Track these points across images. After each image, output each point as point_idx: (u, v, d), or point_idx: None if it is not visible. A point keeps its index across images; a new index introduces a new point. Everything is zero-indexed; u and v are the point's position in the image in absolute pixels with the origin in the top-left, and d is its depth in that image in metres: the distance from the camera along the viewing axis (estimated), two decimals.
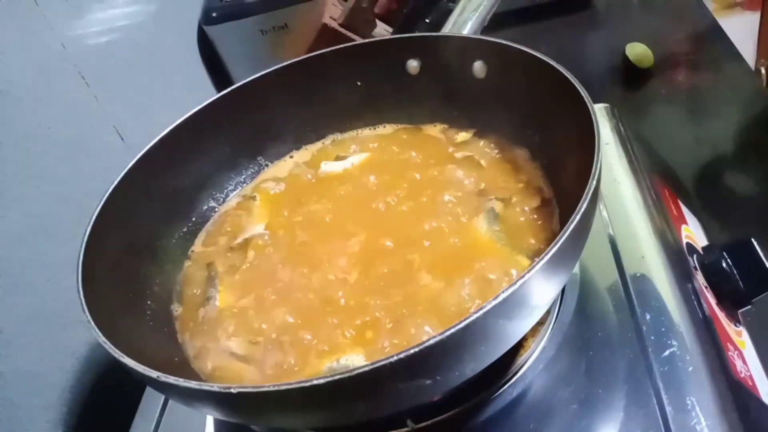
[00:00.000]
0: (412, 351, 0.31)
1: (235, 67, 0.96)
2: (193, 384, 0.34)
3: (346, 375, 0.31)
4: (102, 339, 0.38)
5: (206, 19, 0.94)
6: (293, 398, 0.33)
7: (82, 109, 0.72)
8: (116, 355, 0.37)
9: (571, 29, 1.05)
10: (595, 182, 0.37)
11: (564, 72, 0.46)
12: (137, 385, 0.48)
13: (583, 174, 0.41)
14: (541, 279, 0.34)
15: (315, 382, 0.31)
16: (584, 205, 0.35)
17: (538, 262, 0.33)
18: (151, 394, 0.54)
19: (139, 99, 0.82)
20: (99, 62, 0.75)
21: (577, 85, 0.44)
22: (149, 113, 0.83)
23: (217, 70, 0.98)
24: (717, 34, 0.93)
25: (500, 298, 0.32)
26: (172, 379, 0.34)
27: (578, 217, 0.35)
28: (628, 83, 0.90)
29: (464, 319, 0.31)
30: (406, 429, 0.44)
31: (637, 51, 0.90)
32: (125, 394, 0.66)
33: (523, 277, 0.33)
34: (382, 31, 0.81)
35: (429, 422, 0.44)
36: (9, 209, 0.59)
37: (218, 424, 0.52)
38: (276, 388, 0.32)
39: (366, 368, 0.31)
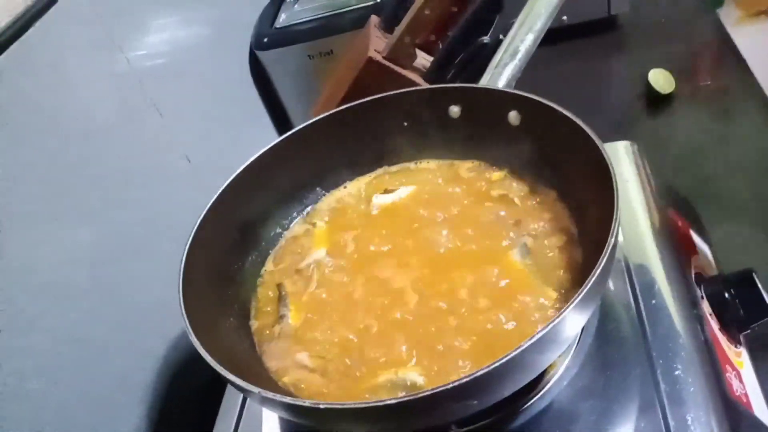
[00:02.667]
0: (464, 380, 0.39)
1: (284, 89, 1.04)
2: (287, 399, 0.43)
3: (412, 397, 0.40)
4: (209, 358, 0.47)
5: (258, 44, 1.02)
6: (368, 414, 0.41)
7: (156, 137, 0.81)
8: (221, 372, 0.46)
9: (596, 51, 1.11)
10: (613, 240, 0.44)
11: (588, 131, 0.53)
12: (210, 381, 0.56)
13: (603, 219, 0.49)
14: (568, 321, 0.42)
15: (388, 402, 0.40)
16: (603, 260, 0.43)
17: (565, 309, 0.41)
18: (231, 394, 0.63)
19: (201, 123, 0.91)
20: (166, 90, 0.83)
21: (599, 145, 0.52)
22: (210, 136, 0.92)
23: (267, 91, 1.06)
24: (737, 61, 0.98)
25: (535, 338, 0.40)
26: (270, 395, 0.43)
27: (599, 271, 0.43)
28: (650, 109, 0.96)
29: (505, 356, 0.40)
30: None
31: (660, 77, 0.96)
32: (197, 387, 0.76)
33: (553, 321, 0.41)
34: (423, 60, 0.88)
35: (471, 427, 0.52)
36: (103, 233, 0.68)
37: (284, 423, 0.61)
38: (356, 406, 0.41)
39: (428, 393, 0.40)
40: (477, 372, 0.39)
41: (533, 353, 0.41)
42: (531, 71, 0.73)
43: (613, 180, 0.48)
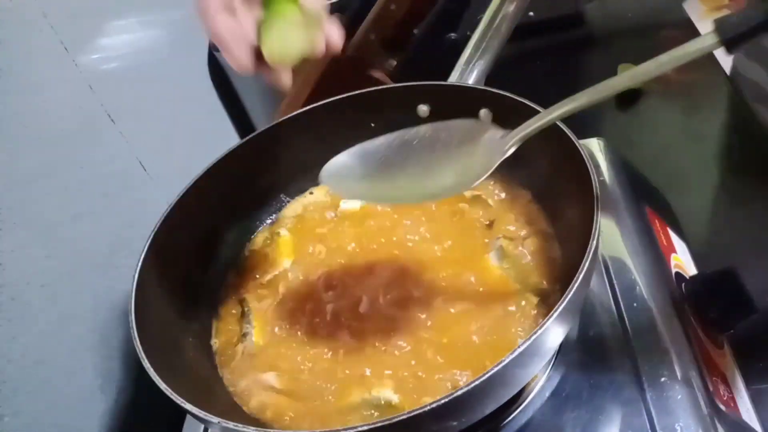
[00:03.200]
0: (443, 401, 0.36)
1: (246, 92, 1.00)
2: (251, 430, 0.39)
3: (387, 422, 0.36)
4: (164, 386, 0.43)
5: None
6: None
7: (110, 144, 0.76)
8: (176, 400, 0.42)
9: (565, 47, 1.09)
10: (595, 243, 0.42)
11: (564, 128, 0.51)
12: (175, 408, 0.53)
13: (582, 218, 0.47)
14: (551, 331, 0.39)
15: (360, 428, 0.37)
16: (586, 265, 0.40)
17: (548, 318, 0.38)
18: (192, 422, 0.59)
19: (158, 129, 0.86)
20: (120, 96, 0.78)
21: (575, 142, 0.49)
22: (168, 142, 0.87)
23: (228, 94, 1.02)
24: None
25: (517, 352, 0.37)
26: (231, 425, 0.40)
27: (581, 277, 0.40)
28: (620, 105, 0.95)
29: (486, 372, 0.37)
30: None
31: None
32: (161, 413, 0.71)
33: (536, 332, 0.38)
34: (389, 58, 0.85)
35: None
36: (59, 249, 0.63)
37: None
38: None
39: (404, 416, 0.36)
40: (456, 391, 0.36)
41: (516, 368, 0.38)
42: (499, 69, 0.71)
43: (592, 177, 0.46)
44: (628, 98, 0.96)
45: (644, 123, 0.95)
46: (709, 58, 0.96)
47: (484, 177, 0.45)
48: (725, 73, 0.93)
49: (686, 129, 0.92)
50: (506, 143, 0.45)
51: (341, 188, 0.51)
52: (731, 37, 0.38)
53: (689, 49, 0.39)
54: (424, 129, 0.49)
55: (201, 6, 0.49)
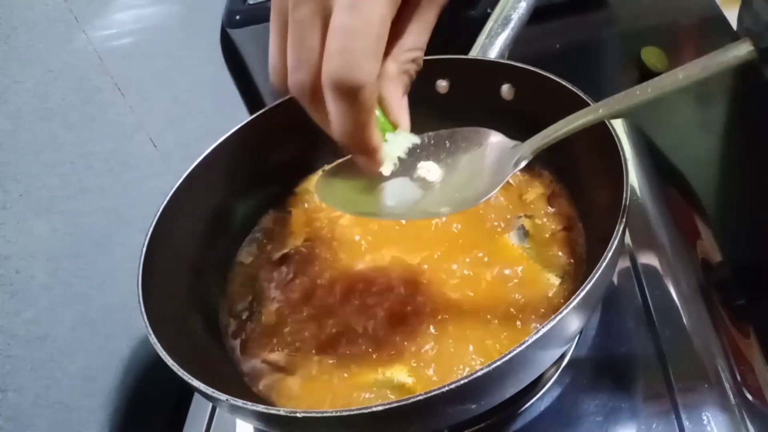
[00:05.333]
0: (461, 382, 0.34)
1: (257, 69, 0.98)
2: (260, 408, 0.37)
3: (403, 403, 0.35)
4: (170, 362, 0.41)
5: (229, 21, 0.96)
6: (352, 422, 0.36)
7: (117, 119, 0.74)
8: (184, 377, 0.40)
9: (587, 29, 1.06)
10: (622, 227, 0.39)
11: (592, 104, 0.48)
12: (179, 385, 0.52)
13: (607, 200, 0.45)
14: (574, 314, 0.37)
15: (374, 409, 0.35)
16: (611, 250, 0.38)
17: (574, 299, 0.36)
18: (199, 401, 0.58)
19: (168, 105, 0.84)
20: (130, 70, 0.77)
21: (606, 121, 0.47)
22: (178, 119, 0.85)
23: (239, 71, 1.00)
24: (729, 39, 0.95)
25: (539, 334, 0.35)
26: (239, 403, 0.38)
27: (606, 260, 0.38)
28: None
29: (506, 354, 0.35)
30: None
31: (652, 55, 0.92)
32: (166, 391, 0.70)
33: (559, 313, 0.36)
34: None
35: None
36: (61, 223, 0.62)
37: None
38: (338, 414, 0.36)
39: (420, 397, 0.34)
40: (476, 372, 0.34)
41: (537, 350, 0.36)
42: (520, 49, 0.68)
43: (622, 157, 0.44)
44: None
45: (667, 106, 0.93)
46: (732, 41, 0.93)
47: (493, 194, 0.41)
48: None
49: (707, 113, 0.89)
50: (518, 154, 0.42)
51: (332, 199, 0.45)
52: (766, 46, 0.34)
53: (722, 59, 0.35)
54: (427, 137, 0.45)
55: None
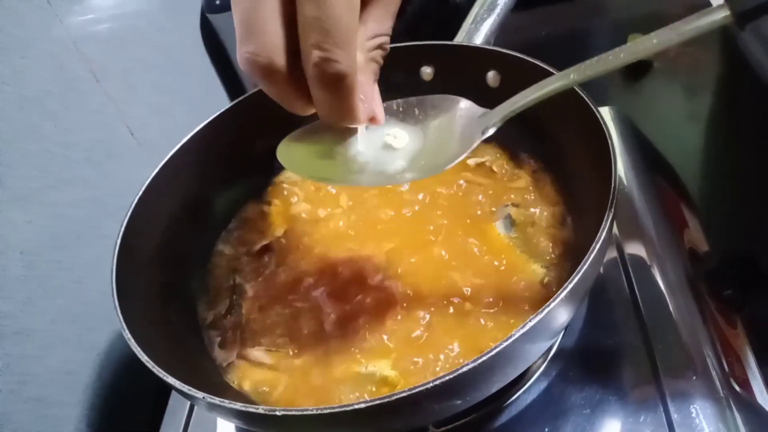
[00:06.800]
0: (447, 377, 0.33)
1: None
2: (238, 406, 0.36)
3: (386, 400, 0.33)
4: (144, 358, 0.40)
5: (210, 6, 0.93)
6: (336, 420, 0.35)
7: (96, 108, 0.72)
8: (161, 375, 0.39)
9: (573, 17, 1.05)
10: (611, 216, 0.39)
11: (580, 92, 0.47)
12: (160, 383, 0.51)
13: (595, 189, 0.44)
14: (561, 308, 0.36)
15: (357, 406, 0.34)
16: (600, 240, 0.37)
17: (560, 292, 0.35)
18: (177, 399, 0.56)
19: (150, 93, 0.82)
20: (106, 56, 0.74)
21: (593, 107, 0.46)
22: (161, 107, 0.83)
23: (220, 58, 0.98)
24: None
25: (525, 329, 0.34)
26: (217, 401, 0.37)
27: (594, 252, 0.37)
28: (630, 76, 0.91)
29: (493, 348, 0.34)
30: None
31: None
32: (146, 388, 0.69)
33: (547, 306, 0.35)
34: None
35: (450, 426, 0.47)
36: (38, 214, 0.60)
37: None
38: (320, 412, 0.34)
39: (404, 393, 0.33)
40: (462, 367, 0.33)
41: (524, 343, 0.35)
42: (505, 36, 0.67)
43: (610, 146, 0.43)
44: (637, 70, 0.92)
45: (654, 96, 0.92)
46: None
47: (459, 160, 0.40)
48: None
49: (694, 103, 0.89)
50: (488, 121, 0.40)
51: (295, 166, 0.44)
52: (744, 10, 0.33)
53: (698, 23, 0.34)
54: (396, 104, 0.44)
55: None
